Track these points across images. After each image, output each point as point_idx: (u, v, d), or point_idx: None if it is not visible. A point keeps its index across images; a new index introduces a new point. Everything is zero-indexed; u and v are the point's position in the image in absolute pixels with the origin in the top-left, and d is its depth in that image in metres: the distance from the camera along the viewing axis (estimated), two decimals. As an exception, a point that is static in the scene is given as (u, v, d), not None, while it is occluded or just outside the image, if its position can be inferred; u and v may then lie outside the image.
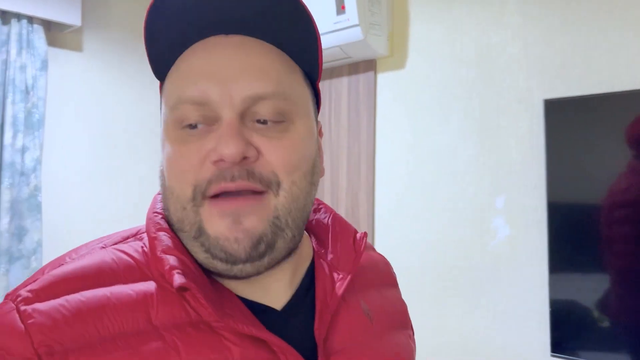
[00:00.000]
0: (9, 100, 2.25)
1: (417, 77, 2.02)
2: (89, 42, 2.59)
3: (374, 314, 0.66)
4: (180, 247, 0.55)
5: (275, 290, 0.58)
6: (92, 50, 2.60)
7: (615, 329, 1.47)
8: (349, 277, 0.61)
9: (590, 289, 1.49)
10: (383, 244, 2.07)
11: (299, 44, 0.56)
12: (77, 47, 2.56)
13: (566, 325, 1.54)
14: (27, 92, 2.29)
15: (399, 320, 0.72)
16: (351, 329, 0.62)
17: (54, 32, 2.47)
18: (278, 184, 0.53)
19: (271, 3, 0.53)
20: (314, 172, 0.58)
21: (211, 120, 0.52)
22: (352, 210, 2.20)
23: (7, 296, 0.52)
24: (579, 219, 1.53)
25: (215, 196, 0.52)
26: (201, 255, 0.53)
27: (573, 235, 1.54)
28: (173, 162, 0.53)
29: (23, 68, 2.28)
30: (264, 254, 0.53)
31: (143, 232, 0.59)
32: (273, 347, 0.53)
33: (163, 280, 0.53)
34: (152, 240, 0.55)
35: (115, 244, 0.58)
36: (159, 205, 0.59)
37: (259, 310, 0.56)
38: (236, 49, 0.53)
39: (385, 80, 2.13)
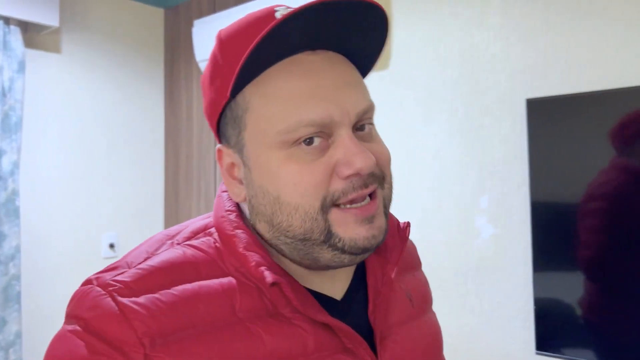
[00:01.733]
0: (-15, 103, 2.20)
1: (401, 78, 2.02)
2: (67, 44, 2.55)
3: (413, 297, 0.73)
4: (259, 244, 0.60)
5: (337, 280, 0.65)
6: (71, 52, 2.56)
7: (599, 326, 1.48)
8: (397, 264, 0.67)
9: (574, 287, 1.51)
10: (368, 245, 2.07)
11: (370, 55, 0.63)
12: (55, 49, 2.51)
13: (551, 323, 1.56)
14: (3, 94, 2.24)
15: (429, 301, 0.80)
16: (398, 312, 0.68)
17: (31, 33, 2.43)
18: (383, 178, 0.60)
19: (363, 19, 0.56)
20: None
21: (327, 135, 0.57)
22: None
23: (88, 281, 0.55)
24: (563, 217, 1.54)
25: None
26: (328, 255, 0.57)
27: (557, 234, 1.56)
28: (299, 180, 0.56)
29: (-1, 70, 2.24)
30: (383, 238, 0.60)
31: (211, 228, 0.63)
32: (339, 333, 0.59)
33: (239, 274, 0.58)
34: (230, 237, 0.60)
35: (187, 239, 0.61)
36: (229, 204, 0.64)
37: (322, 301, 0.61)
38: (331, 67, 0.58)
39: (368, 81, 2.13)
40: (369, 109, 0.59)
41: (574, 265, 1.51)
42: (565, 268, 1.54)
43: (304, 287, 0.61)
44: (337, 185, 0.56)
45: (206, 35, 2.41)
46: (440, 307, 1.87)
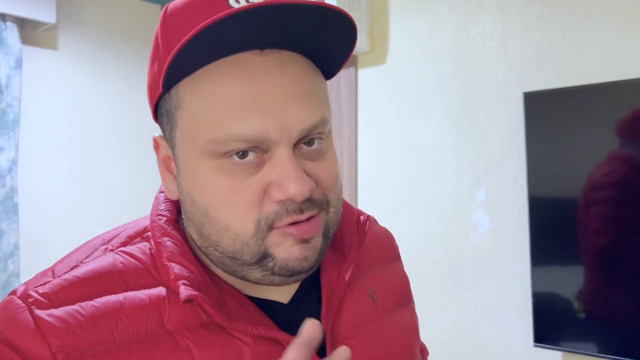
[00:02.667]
0: (-18, 100, 2.20)
1: (398, 73, 2.03)
2: (64, 40, 2.55)
3: (379, 294, 0.67)
4: (185, 252, 0.55)
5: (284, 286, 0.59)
6: (68, 48, 2.56)
7: (596, 320, 1.49)
8: (353, 263, 0.62)
9: (572, 280, 1.51)
10: (366, 240, 2.07)
11: (335, 55, 0.55)
12: (52, 45, 2.51)
13: (548, 317, 1.56)
14: (0, 91, 2.24)
15: (403, 297, 0.73)
16: (356, 313, 0.63)
17: (28, 29, 2.42)
18: (327, 202, 0.54)
19: (319, 17, 0.49)
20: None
21: (262, 150, 0.50)
22: (335, 207, 2.20)
23: (13, 292, 0.52)
24: (560, 211, 1.55)
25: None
26: (257, 275, 0.53)
27: (554, 227, 1.56)
28: (229, 198, 0.50)
29: (-4, 67, 2.24)
30: (316, 264, 0.55)
31: (149, 231, 0.58)
32: (282, 343, 0.54)
33: (173, 283, 0.54)
34: (157, 245, 0.55)
35: (122, 244, 0.57)
36: (162, 207, 0.59)
37: (266, 306, 0.57)
38: (279, 71, 0.50)
39: (366, 76, 2.13)
40: (319, 124, 0.52)
41: (571, 258, 1.52)
42: (562, 261, 1.54)
43: (244, 294, 0.57)
44: (271, 208, 0.51)
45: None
46: (438, 301, 1.88)
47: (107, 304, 0.51)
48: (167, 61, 0.47)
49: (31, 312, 0.49)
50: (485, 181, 1.77)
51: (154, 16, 2.90)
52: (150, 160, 2.86)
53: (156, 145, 0.57)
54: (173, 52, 0.46)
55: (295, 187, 0.49)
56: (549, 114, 1.57)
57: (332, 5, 0.47)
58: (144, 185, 2.83)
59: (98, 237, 0.60)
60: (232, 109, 0.49)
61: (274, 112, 0.49)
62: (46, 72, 2.48)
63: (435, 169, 1.90)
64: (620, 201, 1.44)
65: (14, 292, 0.52)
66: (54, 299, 0.51)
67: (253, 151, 0.50)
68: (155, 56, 0.54)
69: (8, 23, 2.28)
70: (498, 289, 1.73)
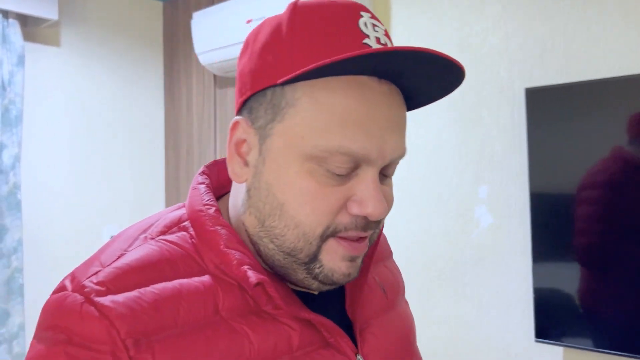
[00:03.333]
0: (-15, 97, 2.20)
1: (400, 69, 2.02)
2: (66, 37, 2.55)
3: (386, 288, 0.73)
4: (239, 240, 0.57)
5: None
6: (70, 45, 2.56)
7: (597, 315, 1.49)
8: (372, 259, 0.66)
9: (573, 277, 1.51)
10: (368, 236, 2.08)
11: (428, 99, 0.60)
12: (55, 42, 2.51)
13: (550, 312, 1.56)
14: (3, 88, 2.25)
15: (401, 290, 0.79)
16: (373, 304, 0.68)
17: (31, 26, 2.43)
18: (379, 222, 0.59)
19: (442, 69, 0.53)
20: None
21: (354, 168, 0.55)
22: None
23: (62, 288, 0.52)
24: (561, 207, 1.55)
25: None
26: (300, 275, 0.57)
27: (555, 224, 1.56)
28: (311, 201, 0.54)
29: (-1, 64, 2.24)
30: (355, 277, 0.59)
31: (185, 222, 0.60)
32: (320, 328, 0.58)
33: (219, 271, 0.56)
34: (210, 234, 0.57)
35: (161, 234, 0.58)
36: (207, 197, 0.60)
37: (301, 296, 0.61)
38: (389, 101, 0.55)
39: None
40: (402, 156, 0.58)
41: (572, 255, 1.52)
42: (564, 258, 1.54)
43: (286, 284, 0.60)
44: (343, 219, 0.55)
45: (205, 28, 2.41)
46: (440, 297, 1.88)
47: (165, 290, 0.52)
48: (304, 69, 0.50)
49: (91, 302, 0.49)
50: (488, 178, 1.78)
51: (156, 13, 2.90)
52: (152, 157, 2.87)
53: (234, 127, 0.58)
54: (315, 65, 0.49)
55: (374, 207, 0.54)
56: (551, 110, 1.57)
57: (457, 62, 0.52)
58: (146, 182, 2.83)
59: (132, 227, 0.61)
60: (345, 124, 0.53)
61: (379, 137, 0.54)
62: (48, 69, 2.49)
63: (437, 165, 1.90)
64: (617, 199, 1.44)
65: (63, 288, 0.52)
66: (111, 287, 0.51)
67: (348, 168, 0.54)
68: (272, 47, 0.55)
69: (10, 20, 2.28)
70: (500, 285, 1.74)
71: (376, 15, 2.09)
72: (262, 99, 0.56)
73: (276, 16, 0.57)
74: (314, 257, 0.55)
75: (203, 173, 0.65)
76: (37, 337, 0.52)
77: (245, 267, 0.54)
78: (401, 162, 1.99)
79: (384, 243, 0.82)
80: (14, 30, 2.28)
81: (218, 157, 2.64)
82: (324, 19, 0.54)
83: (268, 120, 0.56)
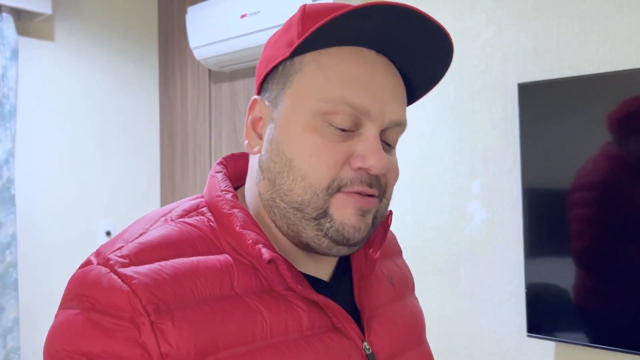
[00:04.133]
0: (-22, 91, 2.20)
1: (394, 63, 2.02)
2: (60, 31, 2.54)
3: (394, 281, 0.76)
4: (255, 222, 0.61)
5: (324, 262, 0.67)
6: (64, 39, 2.55)
7: (588, 310, 1.49)
8: (379, 251, 0.69)
9: (565, 271, 1.52)
10: (362, 231, 2.08)
11: (424, 78, 0.66)
12: (49, 36, 2.51)
13: (542, 307, 1.57)
14: (-3, 82, 2.24)
15: (410, 286, 0.83)
16: (380, 294, 0.71)
17: (24, 20, 2.41)
18: (384, 192, 0.63)
19: (433, 43, 0.60)
20: None
21: (357, 126, 0.59)
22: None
23: (88, 262, 0.56)
24: (554, 202, 1.55)
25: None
26: (311, 233, 0.60)
27: (548, 219, 1.56)
28: (316, 153, 0.58)
29: (-8, 58, 2.23)
30: (361, 243, 0.62)
31: (202, 207, 0.64)
32: (329, 312, 0.61)
33: (234, 252, 0.60)
34: (227, 216, 0.61)
35: (180, 217, 0.62)
36: (224, 184, 0.65)
37: (312, 281, 0.63)
38: (387, 72, 0.62)
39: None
40: (401, 124, 0.63)
41: (565, 250, 1.52)
42: (556, 253, 1.54)
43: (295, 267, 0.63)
44: (347, 174, 0.58)
45: (200, 22, 2.40)
46: (433, 292, 1.89)
47: (184, 264, 0.56)
48: (309, 32, 0.57)
49: (116, 272, 0.53)
50: (481, 172, 1.78)
51: (151, 7, 2.89)
52: (147, 151, 2.86)
53: (252, 105, 0.65)
54: (318, 25, 0.55)
55: (375, 160, 0.58)
56: (543, 105, 1.57)
57: (442, 27, 0.59)
58: (141, 176, 2.83)
59: (152, 212, 0.65)
60: (348, 81, 0.59)
61: (380, 98, 0.59)
62: (42, 63, 2.48)
63: (430, 160, 1.90)
64: (609, 194, 1.44)
65: (89, 262, 0.56)
66: (134, 260, 0.54)
67: (351, 124, 0.59)
68: (284, 34, 0.63)
69: (4, 14, 2.27)
70: (493, 279, 1.74)
71: (370, 9, 2.09)
72: (274, 74, 0.63)
73: (289, 18, 0.65)
74: (324, 213, 0.59)
75: (220, 163, 0.69)
76: (63, 306, 0.55)
77: (260, 245, 0.58)
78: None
79: (393, 241, 0.86)
80: (8, 24, 2.27)
81: (213, 152, 2.64)
82: (330, 6, 0.61)
83: (279, 89, 0.62)
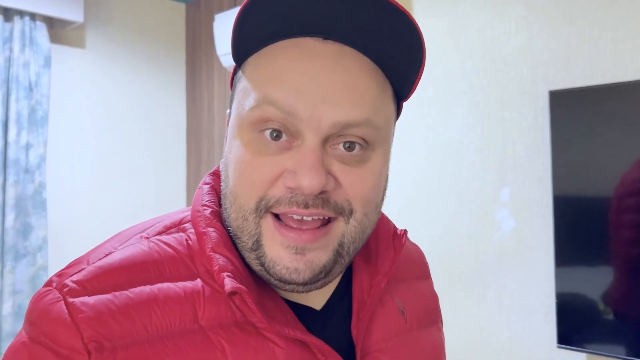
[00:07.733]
0: (12, 98, 2.25)
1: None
2: (91, 39, 2.59)
3: (407, 310, 0.65)
4: (229, 244, 0.53)
5: (316, 291, 0.56)
6: (95, 47, 2.60)
7: (621, 321, 1.46)
8: (387, 277, 0.60)
9: (596, 281, 1.49)
10: (388, 238, 2.07)
11: (400, 63, 0.52)
12: (80, 44, 2.56)
13: (572, 318, 1.54)
14: (30, 89, 2.29)
15: (431, 315, 0.70)
16: (386, 328, 0.61)
17: (57, 29, 2.47)
18: (351, 212, 0.51)
19: (383, 14, 0.48)
20: (383, 200, 0.57)
21: (293, 135, 0.49)
22: (357, 205, 2.20)
23: (49, 283, 0.51)
24: (585, 211, 1.53)
25: (277, 214, 0.50)
26: (256, 267, 0.52)
27: (579, 227, 1.54)
28: (244, 170, 0.50)
29: (26, 65, 2.29)
30: (320, 279, 0.52)
31: (186, 222, 0.57)
32: (313, 349, 0.52)
33: (209, 277, 0.52)
34: (201, 235, 0.54)
35: (158, 234, 0.56)
36: (207, 198, 0.57)
37: (299, 311, 0.55)
38: (333, 62, 0.49)
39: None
40: (357, 124, 0.49)
41: (596, 259, 1.49)
42: (587, 262, 1.52)
43: (280, 296, 0.55)
44: (276, 192, 0.49)
45: (227, 30, 2.43)
46: (461, 300, 1.87)
47: (142, 294, 0.50)
48: (232, 29, 0.51)
49: (65, 302, 0.48)
50: (510, 180, 1.76)
51: (179, 15, 2.93)
52: (174, 158, 2.90)
53: (227, 122, 0.58)
54: (235, 20, 0.49)
55: (306, 179, 0.47)
56: (575, 113, 1.55)
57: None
58: (167, 182, 2.86)
59: (134, 226, 0.58)
60: (274, 78, 0.49)
61: (311, 95, 0.48)
62: (74, 70, 2.53)
63: (459, 167, 1.89)
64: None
65: (50, 283, 0.51)
66: (87, 287, 0.49)
67: (285, 133, 0.49)
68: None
69: (37, 22, 2.33)
70: (522, 289, 1.72)
71: (398, 16, 2.09)
72: (232, 90, 0.57)
73: None
74: (258, 243, 0.51)
75: (213, 173, 0.62)
76: (23, 325, 0.52)
77: (225, 273, 0.50)
78: (421, 162, 1.98)
79: (417, 262, 0.73)
80: (41, 32, 2.33)
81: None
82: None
83: (231, 104, 0.56)
